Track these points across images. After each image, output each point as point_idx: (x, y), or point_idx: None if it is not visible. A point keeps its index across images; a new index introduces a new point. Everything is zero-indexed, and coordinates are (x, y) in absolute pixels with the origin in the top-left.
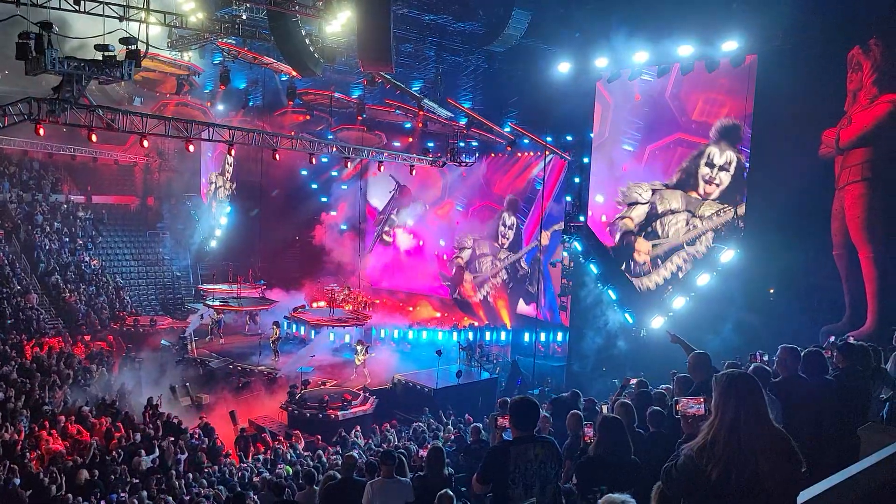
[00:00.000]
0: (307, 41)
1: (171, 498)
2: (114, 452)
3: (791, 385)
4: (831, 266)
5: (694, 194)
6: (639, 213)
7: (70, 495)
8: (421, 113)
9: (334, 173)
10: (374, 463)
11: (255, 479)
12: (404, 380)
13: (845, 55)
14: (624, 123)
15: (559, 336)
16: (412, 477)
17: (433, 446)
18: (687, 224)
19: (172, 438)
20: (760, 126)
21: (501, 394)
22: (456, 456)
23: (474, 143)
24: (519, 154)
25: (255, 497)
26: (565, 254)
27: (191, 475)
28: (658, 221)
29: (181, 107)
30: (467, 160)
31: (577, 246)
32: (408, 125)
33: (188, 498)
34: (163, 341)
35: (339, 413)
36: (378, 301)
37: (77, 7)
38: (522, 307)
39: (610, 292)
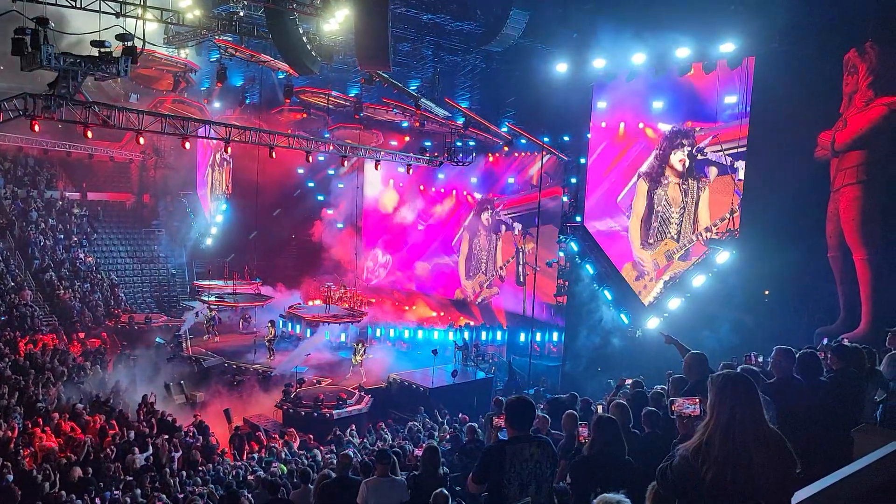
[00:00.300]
0: (305, 39)
1: (165, 496)
2: (108, 450)
3: (785, 386)
4: (826, 268)
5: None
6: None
7: (63, 492)
8: (418, 112)
9: (331, 172)
10: (369, 462)
11: (249, 477)
12: (400, 379)
13: (841, 58)
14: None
15: (554, 336)
16: (407, 476)
17: (428, 445)
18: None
19: (167, 436)
20: (756, 128)
21: (499, 394)
22: (451, 455)
23: (472, 143)
24: (516, 154)
25: (250, 495)
26: (561, 254)
27: (185, 473)
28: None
29: (178, 104)
30: (465, 160)
31: (574, 246)
32: (405, 124)
33: (182, 496)
34: (157, 339)
35: (333, 412)
36: (374, 300)
37: (73, 3)
38: (518, 306)
39: (606, 293)
